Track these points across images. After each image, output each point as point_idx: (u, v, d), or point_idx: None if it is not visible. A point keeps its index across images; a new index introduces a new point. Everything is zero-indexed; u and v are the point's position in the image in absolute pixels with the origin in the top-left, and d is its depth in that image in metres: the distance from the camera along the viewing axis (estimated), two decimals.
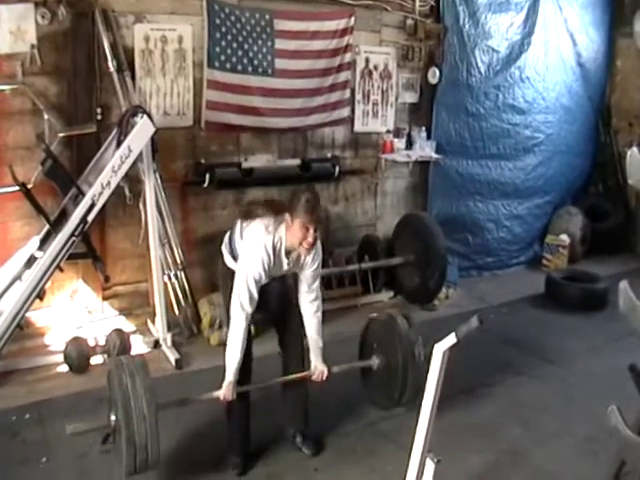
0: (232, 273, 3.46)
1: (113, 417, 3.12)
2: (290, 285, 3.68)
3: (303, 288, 3.56)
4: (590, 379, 4.61)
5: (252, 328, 3.62)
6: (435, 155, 6.42)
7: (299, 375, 3.67)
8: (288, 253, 3.36)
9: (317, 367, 3.64)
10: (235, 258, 3.52)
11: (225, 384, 3.36)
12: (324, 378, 3.65)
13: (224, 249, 3.63)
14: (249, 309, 3.32)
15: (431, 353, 2.65)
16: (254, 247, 3.31)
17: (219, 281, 3.84)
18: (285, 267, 3.42)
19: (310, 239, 3.24)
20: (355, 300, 5.99)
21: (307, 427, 3.75)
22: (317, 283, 3.57)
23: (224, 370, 3.38)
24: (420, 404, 2.69)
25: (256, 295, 3.33)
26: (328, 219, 6.17)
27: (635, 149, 1.59)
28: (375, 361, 3.91)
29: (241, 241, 3.46)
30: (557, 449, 3.80)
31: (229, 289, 3.41)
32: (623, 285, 1.72)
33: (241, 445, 3.57)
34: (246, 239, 3.41)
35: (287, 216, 3.28)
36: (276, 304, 3.69)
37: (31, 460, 3.50)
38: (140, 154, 4.43)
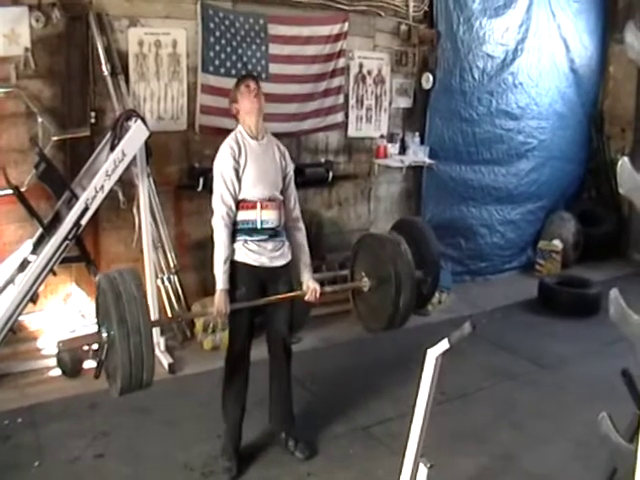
0: None
1: (105, 333, 3.04)
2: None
3: (288, 208, 3.66)
4: (582, 384, 4.62)
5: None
6: (428, 160, 6.43)
7: (291, 294, 3.62)
8: (255, 138, 3.54)
9: (309, 286, 3.63)
10: None
11: (217, 293, 3.35)
12: (317, 296, 3.64)
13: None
14: (230, 201, 3.40)
15: (424, 358, 2.65)
16: (220, 150, 3.51)
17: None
18: (260, 156, 3.51)
19: (252, 86, 3.51)
20: (348, 305, 5.96)
21: (294, 426, 3.74)
22: (297, 201, 3.71)
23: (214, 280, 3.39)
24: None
25: (233, 190, 3.42)
26: (321, 224, 6.18)
27: (626, 158, 1.61)
28: (366, 281, 3.87)
29: None
30: (550, 453, 3.81)
31: None
32: (614, 293, 1.72)
33: (234, 449, 3.56)
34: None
35: (233, 108, 3.58)
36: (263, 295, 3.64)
37: (23, 464, 3.48)
38: (134, 158, 4.43)
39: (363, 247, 4.05)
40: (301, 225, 3.73)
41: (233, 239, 3.45)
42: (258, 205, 3.45)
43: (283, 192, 3.62)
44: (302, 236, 3.70)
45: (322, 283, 5.75)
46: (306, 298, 3.64)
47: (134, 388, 3.00)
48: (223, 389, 3.58)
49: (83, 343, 3.16)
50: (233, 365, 3.54)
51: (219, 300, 3.34)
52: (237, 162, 3.42)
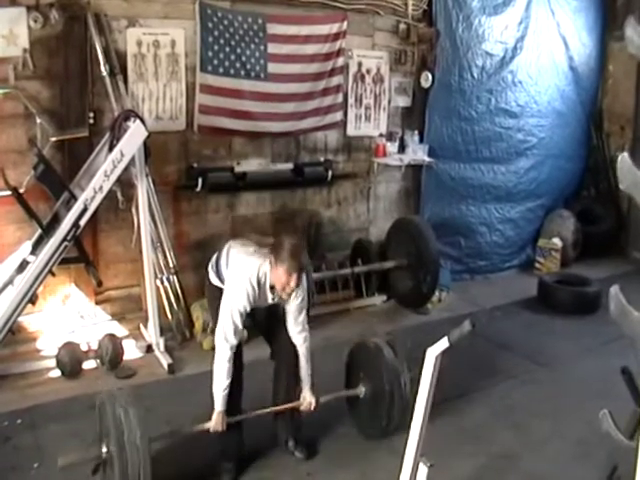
0: (219, 290, 3.51)
1: (104, 449, 3.10)
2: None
3: (290, 320, 3.58)
4: (582, 382, 4.62)
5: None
6: (428, 159, 6.43)
7: (288, 406, 3.67)
8: (272, 288, 3.40)
9: (306, 398, 3.65)
10: (221, 280, 3.57)
11: (214, 415, 3.37)
12: (312, 409, 3.66)
13: (210, 269, 3.68)
14: (234, 341, 3.34)
15: (423, 360, 2.65)
16: (239, 279, 3.34)
17: (207, 297, 3.90)
18: (270, 301, 3.47)
19: (292, 284, 3.28)
20: (348, 304, 6.00)
21: (300, 431, 3.75)
22: (303, 315, 3.59)
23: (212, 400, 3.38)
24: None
25: (241, 327, 3.36)
26: (321, 223, 6.18)
27: (626, 154, 1.60)
28: (362, 389, 3.88)
29: (226, 270, 3.50)
30: (549, 452, 3.81)
31: (216, 307, 3.45)
32: (614, 290, 1.72)
33: (234, 450, 3.56)
34: (232, 269, 3.45)
35: (271, 257, 3.31)
36: (264, 320, 3.71)
37: (23, 466, 3.48)
38: (132, 158, 4.43)
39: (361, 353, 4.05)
40: (305, 338, 3.61)
41: None
42: None
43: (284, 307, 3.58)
44: (306, 349, 3.62)
45: (322, 282, 5.83)
46: (301, 409, 3.67)
47: None
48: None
49: (87, 460, 3.20)
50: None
51: (217, 422, 3.36)
52: (249, 305, 3.34)
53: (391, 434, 3.76)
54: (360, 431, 3.98)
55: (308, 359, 3.63)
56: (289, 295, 3.39)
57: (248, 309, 3.35)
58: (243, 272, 3.35)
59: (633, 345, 1.83)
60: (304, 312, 3.60)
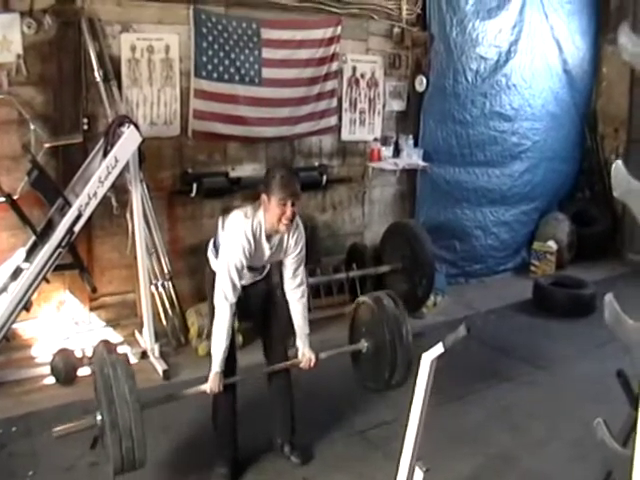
0: None
1: (99, 416, 3.07)
2: (274, 286, 3.69)
3: (287, 274, 3.54)
4: (578, 384, 4.63)
5: (236, 322, 3.61)
6: (422, 163, 6.44)
7: (287, 363, 3.65)
8: (269, 237, 3.35)
9: (305, 354, 3.61)
10: None
11: (211, 375, 3.35)
12: (312, 365, 3.62)
13: (210, 254, 3.61)
14: (232, 299, 3.30)
15: (419, 361, 2.65)
16: (234, 235, 3.29)
17: (206, 286, 3.71)
18: (267, 253, 3.40)
19: (288, 213, 3.22)
20: (343, 308, 5.96)
21: (294, 436, 3.74)
22: (301, 268, 3.56)
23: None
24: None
25: (239, 284, 3.32)
26: (316, 228, 6.18)
27: (619, 162, 1.60)
28: (364, 344, 3.87)
29: (222, 232, 3.45)
30: (546, 453, 3.81)
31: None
32: (608, 298, 1.72)
33: (229, 455, 3.55)
34: (226, 229, 3.38)
35: (263, 196, 3.26)
36: (259, 307, 3.68)
37: (18, 473, 3.46)
38: (127, 164, 4.42)
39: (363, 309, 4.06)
40: (302, 293, 3.59)
41: None
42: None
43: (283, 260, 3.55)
44: (303, 305, 3.59)
45: (317, 287, 5.82)
46: (301, 365, 3.64)
47: (127, 469, 3.04)
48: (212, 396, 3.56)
49: (81, 430, 3.19)
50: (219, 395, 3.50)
51: (214, 382, 3.34)
52: (249, 256, 3.30)
53: (395, 387, 3.78)
54: (364, 388, 3.98)
55: (305, 317, 3.60)
56: (287, 227, 3.28)
57: (245, 264, 3.30)
58: (237, 227, 3.29)
59: (628, 352, 1.83)
60: (303, 265, 3.56)
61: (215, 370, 3.34)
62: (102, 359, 3.17)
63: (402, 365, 3.71)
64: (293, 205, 3.23)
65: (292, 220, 3.28)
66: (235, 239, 3.28)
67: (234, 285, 3.29)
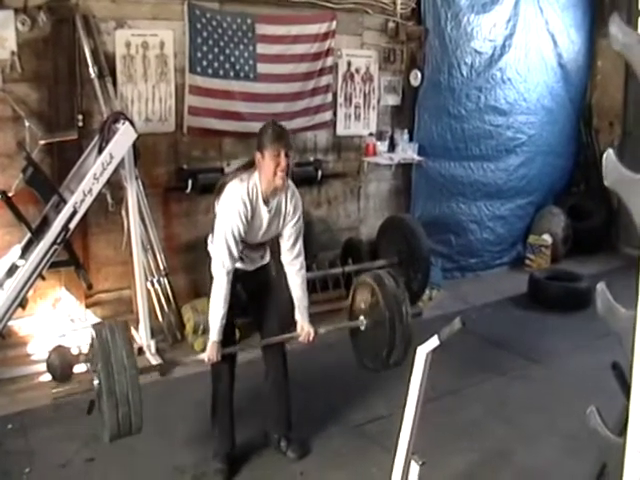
0: None
1: (96, 380, 3.05)
2: (273, 278, 3.68)
3: (285, 246, 3.51)
4: (573, 377, 4.64)
5: (239, 287, 3.56)
6: (418, 157, 6.44)
7: (286, 336, 3.64)
8: (266, 202, 3.32)
9: (304, 328, 3.59)
10: None
11: (209, 344, 3.34)
12: (311, 339, 3.61)
13: (210, 247, 3.54)
14: (230, 266, 3.28)
15: (414, 355, 2.66)
16: (230, 200, 3.26)
17: (208, 284, 3.56)
18: (265, 218, 3.35)
19: (283, 164, 3.20)
20: (339, 303, 5.96)
21: (291, 430, 3.74)
22: (299, 240, 3.53)
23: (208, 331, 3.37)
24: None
25: (236, 252, 3.29)
26: (311, 223, 6.17)
27: (611, 150, 1.60)
28: (363, 321, 3.84)
29: (217, 205, 3.40)
30: (542, 447, 3.83)
31: None
32: (600, 287, 1.72)
33: (226, 450, 3.56)
34: (222, 198, 3.34)
35: (257, 155, 3.25)
36: (257, 302, 3.67)
37: (14, 471, 3.47)
38: (122, 160, 4.41)
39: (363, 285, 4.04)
40: (301, 264, 3.56)
41: None
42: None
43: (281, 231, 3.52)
44: (302, 277, 3.57)
45: (313, 282, 5.82)
46: (300, 340, 3.62)
47: (123, 434, 3.04)
48: (212, 392, 3.56)
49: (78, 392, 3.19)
50: (217, 366, 3.50)
51: (212, 351, 3.33)
52: (246, 222, 3.27)
53: (393, 366, 3.75)
54: (362, 367, 3.95)
55: (304, 290, 3.59)
56: (283, 180, 3.24)
57: (242, 230, 3.26)
58: (233, 192, 3.26)
59: (621, 342, 1.83)
60: (301, 236, 3.53)
61: (213, 339, 3.33)
62: (101, 323, 3.16)
63: (400, 344, 3.67)
64: (287, 156, 3.22)
65: (287, 173, 3.25)
66: (231, 204, 3.25)
67: (231, 252, 3.27)
